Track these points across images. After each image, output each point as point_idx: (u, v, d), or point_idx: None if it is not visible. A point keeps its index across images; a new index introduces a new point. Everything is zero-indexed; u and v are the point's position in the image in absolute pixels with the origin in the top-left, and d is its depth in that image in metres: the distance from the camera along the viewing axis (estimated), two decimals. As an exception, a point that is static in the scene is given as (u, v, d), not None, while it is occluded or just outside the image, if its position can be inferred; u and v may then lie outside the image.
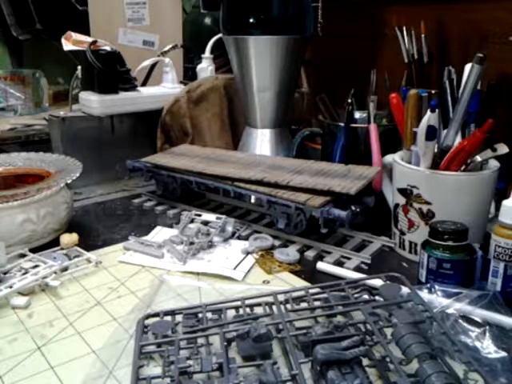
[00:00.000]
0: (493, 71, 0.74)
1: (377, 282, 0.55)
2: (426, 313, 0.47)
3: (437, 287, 0.54)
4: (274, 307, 0.51)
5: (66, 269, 0.64)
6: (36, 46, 1.53)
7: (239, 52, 0.88)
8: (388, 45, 1.01)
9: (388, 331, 0.45)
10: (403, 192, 0.67)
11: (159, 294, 0.59)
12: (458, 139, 0.67)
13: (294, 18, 0.85)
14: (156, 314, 0.51)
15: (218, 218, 0.74)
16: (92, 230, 0.78)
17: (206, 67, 1.07)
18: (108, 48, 0.96)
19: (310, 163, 0.80)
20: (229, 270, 0.65)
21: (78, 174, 0.74)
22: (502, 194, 0.72)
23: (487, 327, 0.48)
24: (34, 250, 0.68)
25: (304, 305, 0.53)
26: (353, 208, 0.73)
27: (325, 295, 0.54)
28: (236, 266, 0.66)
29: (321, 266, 0.65)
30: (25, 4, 1.39)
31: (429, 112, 0.62)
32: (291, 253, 0.68)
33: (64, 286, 0.62)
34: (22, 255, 0.66)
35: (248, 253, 0.69)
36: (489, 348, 0.46)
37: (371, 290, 0.54)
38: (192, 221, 0.76)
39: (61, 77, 1.59)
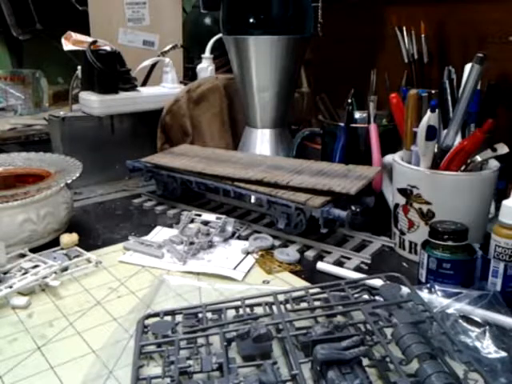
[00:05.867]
0: (493, 71, 0.74)
1: (377, 282, 0.55)
2: (426, 313, 0.47)
3: (437, 287, 0.54)
4: (274, 307, 0.51)
5: (66, 269, 0.64)
6: (36, 46, 1.52)
7: (239, 52, 0.88)
8: (388, 45, 1.01)
9: (388, 331, 0.45)
10: (403, 192, 0.67)
11: (159, 294, 0.59)
12: (458, 139, 0.67)
13: (294, 18, 0.85)
14: (156, 314, 0.51)
15: (217, 218, 0.74)
16: (92, 230, 0.78)
17: (206, 67, 1.07)
18: (108, 48, 0.96)
19: (309, 163, 0.80)
20: (229, 270, 0.65)
21: (77, 174, 0.74)
22: (502, 193, 0.73)
23: (487, 327, 0.48)
24: (34, 250, 0.68)
25: (304, 305, 0.53)
26: (353, 208, 0.73)
27: (325, 295, 0.54)
28: (236, 266, 0.66)
29: (321, 266, 0.65)
30: (25, 4, 1.39)
31: (429, 112, 0.62)
32: (291, 253, 0.68)
33: (64, 286, 0.62)
34: (22, 255, 0.66)
35: (248, 253, 0.69)
36: (489, 348, 0.46)
37: (371, 290, 0.54)
38: (192, 221, 0.76)
39: (61, 77, 1.59)
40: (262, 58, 0.86)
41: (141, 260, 0.68)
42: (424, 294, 0.53)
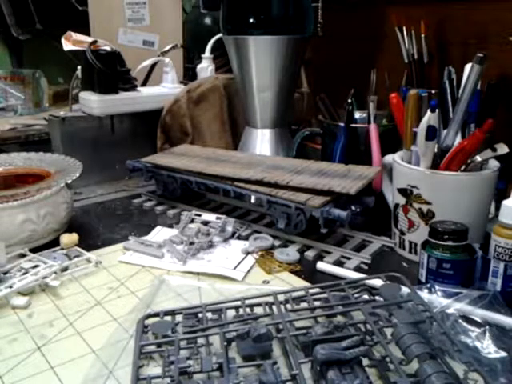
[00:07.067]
0: (493, 71, 0.74)
1: (377, 282, 0.55)
2: (426, 313, 0.47)
3: (437, 287, 0.54)
4: (274, 307, 0.51)
5: (66, 269, 0.64)
6: (36, 46, 1.52)
7: (239, 52, 0.88)
8: (388, 45, 1.01)
9: (388, 331, 0.45)
10: (403, 192, 0.67)
11: (159, 294, 0.59)
12: (458, 139, 0.67)
13: (294, 18, 0.85)
14: (156, 314, 0.51)
15: (218, 218, 0.74)
16: (92, 230, 0.78)
17: (206, 67, 1.07)
18: (108, 48, 0.96)
19: (310, 163, 0.80)
20: (229, 270, 0.65)
21: (77, 174, 0.74)
22: (502, 194, 0.73)
23: (487, 327, 0.48)
24: (34, 250, 0.67)
25: (304, 305, 0.53)
26: (353, 208, 0.73)
27: (325, 295, 0.54)
28: (236, 266, 0.66)
29: (321, 266, 0.65)
30: (25, 4, 1.39)
31: (429, 112, 0.62)
32: (291, 253, 0.68)
33: (64, 286, 0.62)
34: (22, 255, 0.66)
35: (248, 253, 0.69)
36: (489, 348, 0.46)
37: (371, 290, 0.54)
38: (192, 221, 0.76)
39: (61, 77, 1.59)
40: (262, 57, 0.86)
41: (141, 260, 0.68)
42: (424, 294, 0.53)
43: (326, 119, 0.86)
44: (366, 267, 0.66)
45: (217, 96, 1.02)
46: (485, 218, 0.67)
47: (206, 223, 0.75)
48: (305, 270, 0.65)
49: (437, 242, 0.57)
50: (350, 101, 0.81)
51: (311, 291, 0.54)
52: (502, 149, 0.63)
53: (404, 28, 0.93)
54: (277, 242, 0.72)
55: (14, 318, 0.55)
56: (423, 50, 0.92)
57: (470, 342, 0.47)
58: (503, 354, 0.46)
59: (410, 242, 0.68)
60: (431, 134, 0.63)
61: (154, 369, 0.46)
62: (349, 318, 0.51)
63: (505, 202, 0.55)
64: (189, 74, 1.13)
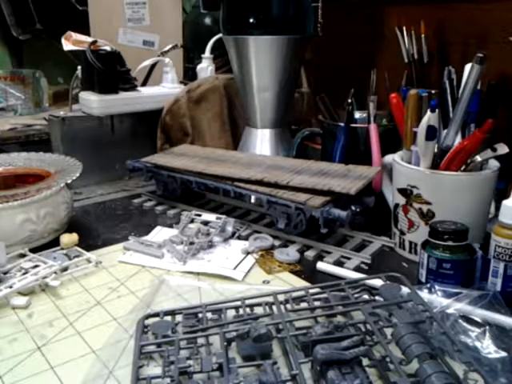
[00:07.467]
0: (493, 71, 0.74)
1: (377, 282, 0.55)
2: (426, 313, 0.47)
3: (437, 287, 0.54)
4: (274, 307, 0.51)
5: (66, 269, 0.64)
6: (36, 46, 1.52)
7: (239, 52, 0.88)
8: (388, 45, 1.01)
9: (388, 331, 0.45)
10: (403, 192, 0.67)
11: (159, 294, 0.59)
12: (458, 139, 0.67)
13: (294, 18, 0.85)
14: (156, 314, 0.51)
15: (218, 218, 0.74)
16: (92, 230, 0.78)
17: (205, 67, 1.07)
18: (108, 48, 0.96)
19: (310, 163, 0.80)
20: (229, 270, 0.65)
21: (77, 174, 0.74)
22: (502, 193, 0.72)
23: (487, 327, 0.48)
24: (34, 250, 0.68)
25: (304, 305, 0.53)
26: (353, 208, 0.73)
27: (325, 295, 0.54)
28: (236, 266, 0.66)
29: (321, 266, 0.65)
30: (25, 4, 1.39)
31: (429, 112, 0.62)
32: (291, 253, 0.68)
33: (64, 286, 0.62)
34: (22, 255, 0.66)
35: (248, 253, 0.69)
36: (489, 348, 0.46)
37: (371, 290, 0.54)
38: (192, 221, 0.76)
39: (61, 77, 1.59)
40: (262, 57, 0.86)
41: (141, 260, 0.68)
42: (424, 294, 0.53)
43: (326, 119, 0.86)
44: (366, 267, 0.66)
45: (217, 96, 1.02)
46: (485, 218, 0.67)
47: (206, 223, 0.75)
48: (305, 269, 0.65)
49: (437, 242, 0.57)
50: (350, 101, 0.81)
51: (311, 291, 0.54)
52: (502, 149, 0.63)
53: (404, 28, 0.93)
54: (277, 242, 0.72)
55: (14, 318, 0.55)
56: (423, 50, 0.92)
57: (470, 342, 0.47)
58: (503, 353, 0.46)
59: (410, 242, 0.68)
60: (431, 133, 0.63)
61: (154, 369, 0.46)
62: (349, 318, 0.51)
63: (505, 202, 0.55)
64: (189, 74, 1.13)
